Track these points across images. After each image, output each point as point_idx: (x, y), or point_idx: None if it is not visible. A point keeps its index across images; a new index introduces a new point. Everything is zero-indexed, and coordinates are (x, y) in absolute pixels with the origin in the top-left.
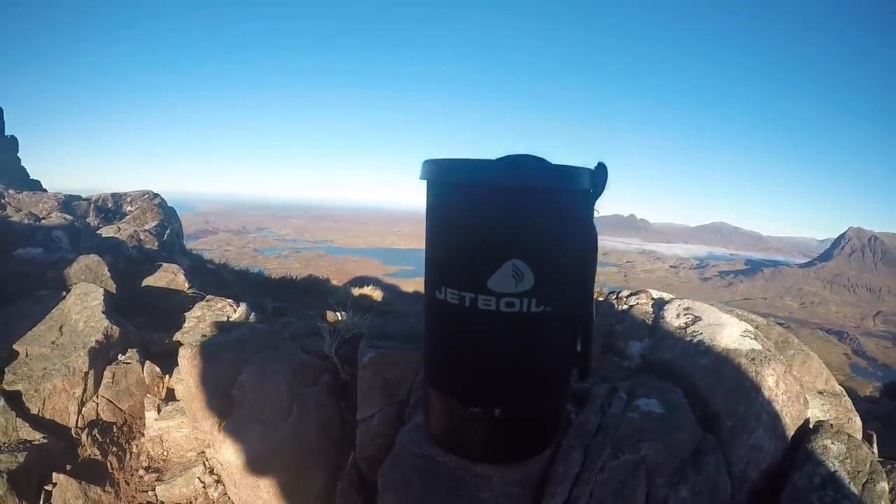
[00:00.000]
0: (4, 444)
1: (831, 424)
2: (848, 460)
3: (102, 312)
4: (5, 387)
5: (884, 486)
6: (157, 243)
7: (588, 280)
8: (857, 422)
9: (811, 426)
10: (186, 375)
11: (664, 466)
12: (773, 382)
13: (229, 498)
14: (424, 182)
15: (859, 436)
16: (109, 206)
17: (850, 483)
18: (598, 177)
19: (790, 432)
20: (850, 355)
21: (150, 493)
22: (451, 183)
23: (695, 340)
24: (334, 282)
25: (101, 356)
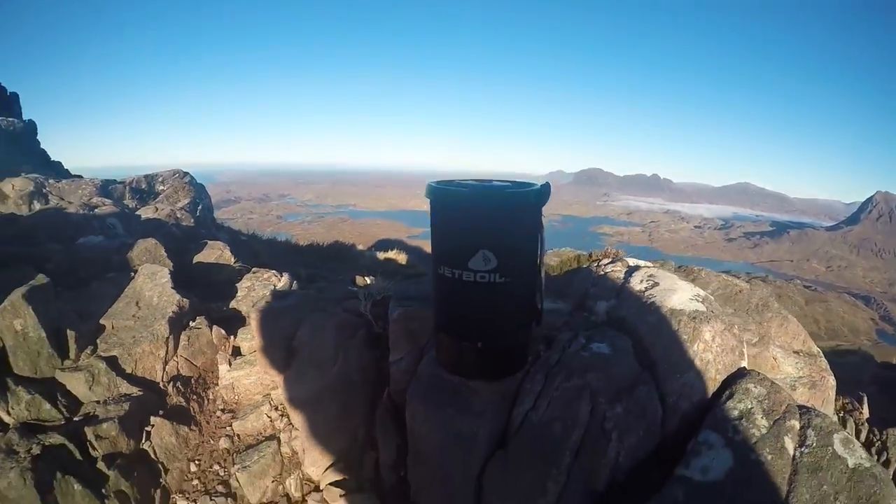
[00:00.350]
0: (110, 397)
1: (758, 372)
2: (766, 401)
3: (172, 288)
4: (102, 354)
5: (794, 423)
6: (192, 220)
7: (535, 261)
8: (831, 381)
9: (745, 372)
10: (256, 334)
11: (605, 391)
12: (709, 337)
13: (292, 426)
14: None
15: (831, 393)
16: (143, 187)
17: (762, 418)
18: (543, 192)
19: (721, 376)
20: (876, 321)
21: (227, 428)
22: (442, 203)
23: (648, 302)
24: (360, 247)
25: (177, 324)
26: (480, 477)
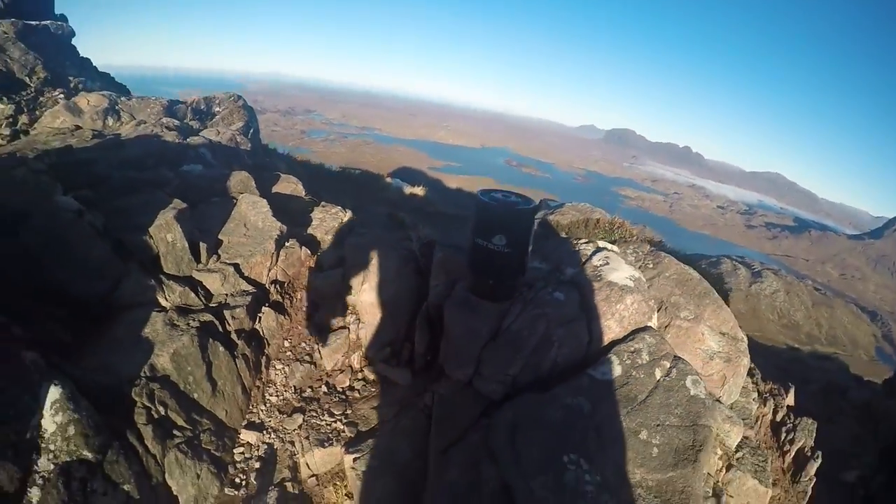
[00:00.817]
0: (235, 292)
1: (655, 329)
2: (653, 346)
3: (273, 216)
4: (227, 261)
5: (665, 363)
6: (249, 145)
7: (527, 243)
8: (745, 361)
9: (647, 328)
10: (349, 256)
11: (555, 319)
12: (629, 302)
13: (359, 321)
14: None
15: (743, 370)
16: (202, 108)
17: (646, 355)
18: (536, 208)
19: (632, 327)
20: (878, 338)
21: (311, 319)
22: (482, 205)
23: (596, 273)
24: (387, 179)
25: (279, 243)
26: (481, 353)
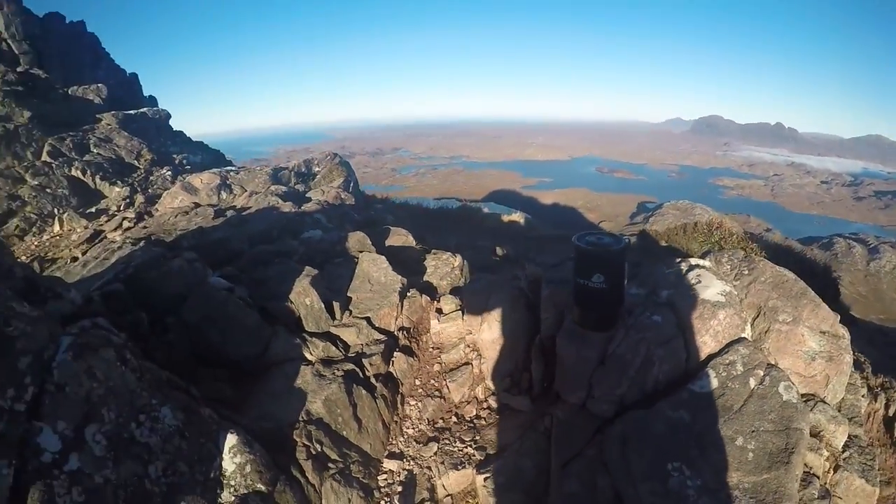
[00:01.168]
0: (369, 342)
1: (749, 340)
2: (746, 357)
3: (392, 270)
4: (358, 315)
5: (759, 371)
6: (352, 198)
7: (622, 277)
8: (847, 358)
9: (741, 339)
10: (466, 300)
11: (655, 341)
12: (722, 317)
13: (480, 357)
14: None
15: (846, 368)
16: (303, 170)
17: (741, 366)
18: (627, 247)
19: (726, 340)
20: None
21: (437, 359)
22: (580, 250)
23: (690, 293)
24: (485, 210)
25: (402, 294)
26: (591, 377)
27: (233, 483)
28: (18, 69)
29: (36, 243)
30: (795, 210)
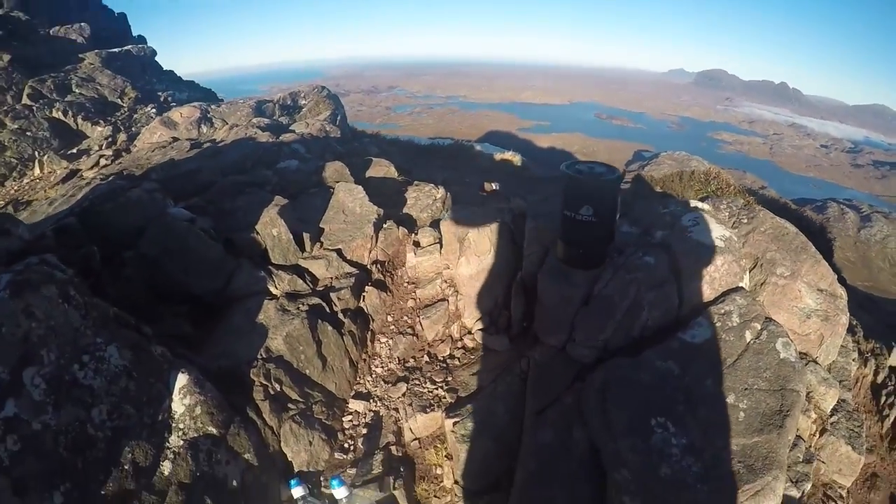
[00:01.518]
0: (339, 275)
1: (746, 290)
2: (743, 308)
3: (369, 201)
4: (329, 247)
5: (756, 325)
6: (338, 132)
7: (614, 211)
8: (843, 319)
9: (738, 289)
10: (445, 232)
11: (646, 283)
12: (720, 263)
13: (457, 293)
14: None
15: (842, 329)
16: (289, 103)
17: (737, 317)
18: (619, 177)
19: (723, 288)
20: None
21: (411, 294)
22: (569, 178)
23: (687, 234)
24: (477, 147)
25: (377, 226)
26: (573, 319)
27: (182, 426)
28: None
29: (16, 188)
30: (792, 171)
